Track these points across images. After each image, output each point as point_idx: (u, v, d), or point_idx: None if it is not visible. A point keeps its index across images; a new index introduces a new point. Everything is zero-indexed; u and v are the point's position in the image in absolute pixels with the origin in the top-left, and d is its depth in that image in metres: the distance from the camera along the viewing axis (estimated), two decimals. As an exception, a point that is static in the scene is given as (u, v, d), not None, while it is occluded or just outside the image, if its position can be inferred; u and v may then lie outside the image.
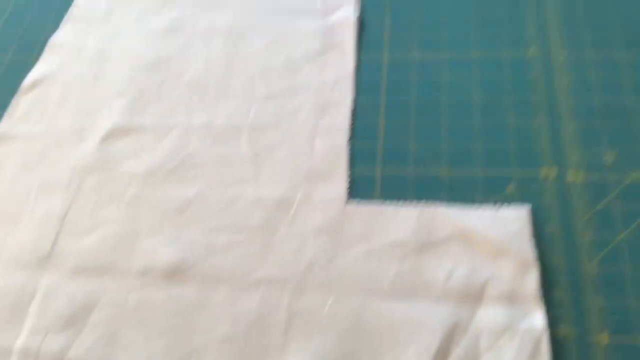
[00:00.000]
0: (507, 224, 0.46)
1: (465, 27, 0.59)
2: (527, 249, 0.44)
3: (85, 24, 0.64)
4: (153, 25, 0.63)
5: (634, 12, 0.57)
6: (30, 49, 0.64)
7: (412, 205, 0.48)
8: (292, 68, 0.57)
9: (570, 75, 0.54)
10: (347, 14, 0.60)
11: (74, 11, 0.66)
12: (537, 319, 0.41)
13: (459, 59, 0.57)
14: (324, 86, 0.55)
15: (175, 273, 0.46)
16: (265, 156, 0.52)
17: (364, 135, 0.53)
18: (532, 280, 0.43)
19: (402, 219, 0.47)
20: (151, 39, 0.61)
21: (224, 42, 0.60)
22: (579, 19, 0.57)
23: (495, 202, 0.48)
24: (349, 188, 0.49)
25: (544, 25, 0.57)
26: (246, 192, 0.50)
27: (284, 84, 0.56)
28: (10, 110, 0.58)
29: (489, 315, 0.42)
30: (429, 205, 0.48)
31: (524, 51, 0.56)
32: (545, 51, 0.56)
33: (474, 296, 0.43)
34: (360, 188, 0.50)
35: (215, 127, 0.54)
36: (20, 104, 0.59)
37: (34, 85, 0.60)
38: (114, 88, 0.58)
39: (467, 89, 0.54)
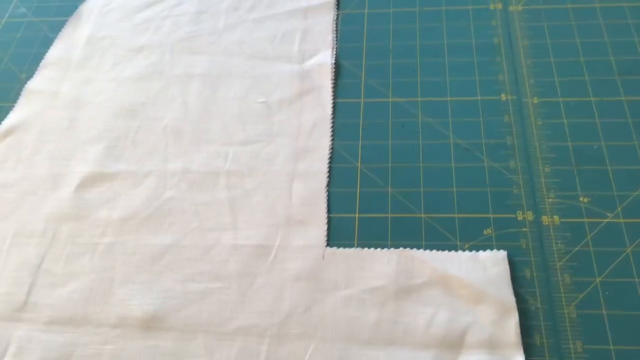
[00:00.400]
0: (486, 268, 0.46)
1: (441, 72, 0.59)
2: (506, 293, 0.44)
3: (61, 70, 0.64)
4: (129, 71, 0.62)
5: (603, 57, 0.58)
6: (6, 96, 0.63)
7: (390, 250, 0.47)
8: (269, 113, 0.57)
9: (543, 120, 0.54)
10: (324, 59, 0.60)
11: (49, 58, 0.65)
12: (518, 365, 0.41)
13: (435, 102, 0.57)
14: (301, 130, 0.55)
15: (151, 323, 0.45)
16: (243, 202, 0.51)
17: (342, 179, 0.53)
18: (512, 326, 0.42)
19: (381, 264, 0.46)
20: (127, 85, 0.61)
21: (201, 87, 0.60)
22: (550, 65, 0.58)
23: (473, 245, 0.47)
24: (327, 233, 0.49)
25: (516, 72, 0.58)
26: (224, 239, 0.49)
27: (261, 128, 0.56)
28: (-17, 158, 0.57)
29: (470, 362, 0.41)
30: (407, 249, 0.47)
31: (498, 96, 0.56)
32: (518, 96, 0.56)
33: (454, 343, 0.42)
34: (338, 233, 0.50)
35: (192, 173, 0.54)
36: (-5, 151, 0.58)
37: (9, 132, 0.59)
38: (90, 134, 0.58)
39: (443, 133, 0.54)
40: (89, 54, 0.65)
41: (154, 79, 0.61)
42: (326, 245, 0.48)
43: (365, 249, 0.48)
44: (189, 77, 0.61)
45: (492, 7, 0.64)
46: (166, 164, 0.55)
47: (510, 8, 0.63)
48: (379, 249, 0.47)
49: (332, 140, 0.55)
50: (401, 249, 0.47)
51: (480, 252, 0.46)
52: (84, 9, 0.69)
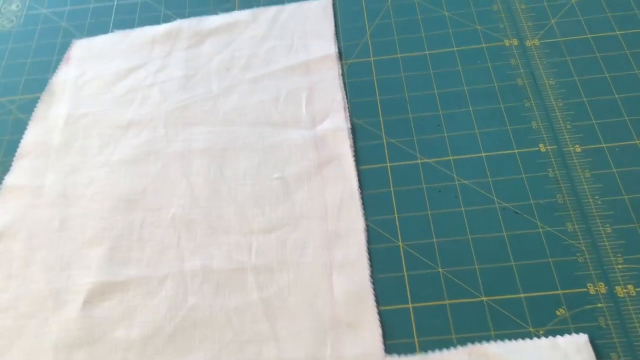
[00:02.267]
0: (569, 356, 0.39)
1: (467, 123, 0.54)
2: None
3: (40, 159, 0.55)
4: (120, 153, 0.54)
5: (637, 92, 0.53)
6: (-21, 194, 0.54)
7: (458, 349, 0.41)
8: (288, 190, 0.50)
9: (591, 172, 0.49)
10: (338, 123, 0.53)
11: (25, 145, 0.56)
12: None
13: (468, 161, 0.51)
14: (328, 210, 0.48)
15: None
16: (279, 304, 0.44)
17: (384, 263, 0.47)
18: None
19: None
20: (121, 170, 0.53)
21: (205, 165, 0.52)
22: (584, 106, 0.53)
23: (548, 330, 0.41)
24: (382, 336, 0.42)
25: (549, 117, 0.52)
26: (266, 353, 0.42)
27: (282, 210, 0.49)
28: (-34, 276, 0.48)
29: None
30: (477, 345, 0.41)
31: (536, 146, 0.51)
32: (558, 145, 0.50)
33: None
34: (393, 330, 0.44)
35: (215, 272, 0.46)
36: (-22, 267, 0.49)
37: (-8, 241, 0.50)
38: (87, 235, 0.50)
39: (485, 196, 0.49)
40: (70, 136, 0.56)
41: (151, 160, 0.53)
42: (385, 351, 0.41)
43: (430, 352, 0.41)
44: (189, 154, 0.53)
45: (507, 43, 0.58)
46: (183, 263, 0.47)
47: (527, 43, 0.57)
48: (445, 351, 0.41)
49: (365, 217, 0.48)
50: (469, 345, 0.41)
51: (559, 337, 0.40)
52: (55, 82, 0.61)
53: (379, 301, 0.45)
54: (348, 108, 0.55)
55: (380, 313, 0.44)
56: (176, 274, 0.46)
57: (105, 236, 0.49)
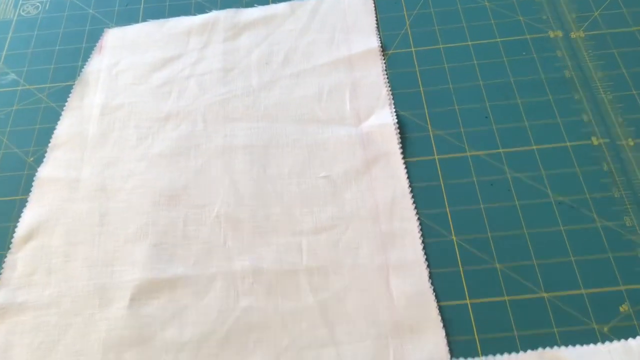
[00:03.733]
0: None
1: (516, 115, 0.52)
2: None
3: (76, 151, 0.52)
4: (159, 146, 0.51)
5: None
6: (14, 188, 0.51)
7: (527, 353, 0.39)
8: (335, 190, 0.48)
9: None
10: (384, 119, 0.51)
11: (59, 135, 0.54)
12: None
13: (520, 154, 0.49)
14: (379, 210, 0.46)
15: None
16: (336, 308, 0.42)
17: (438, 257, 0.45)
18: None
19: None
20: (161, 165, 0.50)
21: (248, 162, 0.50)
22: (634, 99, 0.51)
23: (612, 327, 0.39)
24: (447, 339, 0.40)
25: (600, 110, 0.51)
26: (325, 356, 0.40)
27: (331, 210, 0.47)
28: (5, 272, 0.46)
29: None
30: (547, 350, 0.39)
31: (588, 139, 0.49)
32: (611, 139, 0.48)
33: None
34: (453, 327, 0.42)
35: (265, 273, 0.44)
36: (17, 263, 0.47)
37: (29, 236, 0.48)
38: (129, 230, 0.47)
39: (539, 189, 0.47)
40: (107, 127, 0.53)
41: (191, 155, 0.51)
42: (450, 355, 0.39)
43: (498, 355, 0.39)
44: (231, 150, 0.51)
45: (552, 35, 0.55)
46: (231, 262, 0.45)
47: (572, 35, 0.55)
48: (513, 354, 0.39)
49: (418, 215, 0.46)
50: (540, 350, 0.39)
51: (631, 340, 0.38)
52: (88, 71, 0.58)
53: (439, 303, 0.42)
54: (392, 101, 0.52)
55: (444, 318, 0.42)
56: (225, 273, 0.44)
57: (149, 232, 0.47)
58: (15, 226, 0.49)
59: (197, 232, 0.47)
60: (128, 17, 0.62)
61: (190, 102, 0.54)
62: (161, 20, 0.61)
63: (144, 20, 0.61)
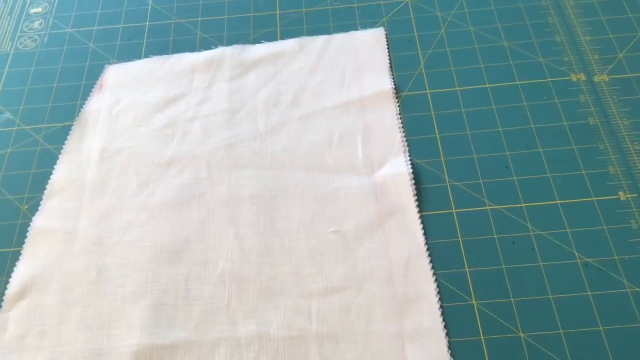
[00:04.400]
0: None
1: (538, 166, 0.49)
2: None
3: (74, 199, 0.49)
4: (160, 195, 0.48)
5: None
6: (7, 238, 0.48)
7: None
8: (346, 246, 0.45)
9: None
10: (399, 168, 0.47)
11: (55, 182, 0.51)
12: None
13: (543, 209, 0.46)
14: (393, 271, 0.43)
15: None
16: (348, 379, 0.38)
17: (459, 325, 0.42)
18: None
19: None
20: (162, 215, 0.47)
21: (255, 214, 0.47)
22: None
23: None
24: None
25: (627, 162, 0.48)
26: None
27: (342, 269, 0.43)
28: (-5, 333, 0.42)
29: None
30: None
31: (615, 194, 0.45)
32: (639, 194, 0.45)
33: None
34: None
35: (272, 340, 0.41)
36: (9, 323, 0.44)
37: (22, 293, 0.45)
38: (128, 288, 0.44)
39: (565, 249, 0.44)
40: (106, 173, 0.50)
41: (194, 205, 0.47)
42: None
43: None
44: (236, 201, 0.47)
45: (574, 78, 0.52)
46: (236, 327, 0.41)
47: (595, 78, 0.52)
48: None
49: (435, 276, 0.42)
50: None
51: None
52: (88, 111, 0.55)
53: (458, 374, 0.39)
54: (407, 148, 0.49)
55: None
56: (229, 339, 0.41)
57: (148, 291, 0.43)
58: (7, 281, 0.45)
59: (199, 292, 0.43)
60: (130, 53, 0.59)
61: (194, 147, 0.51)
62: (164, 56, 0.58)
63: (146, 55, 0.58)
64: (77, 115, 0.55)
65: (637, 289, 0.41)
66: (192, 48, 0.59)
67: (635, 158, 0.47)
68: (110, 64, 0.58)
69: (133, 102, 0.55)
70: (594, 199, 0.46)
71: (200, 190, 0.48)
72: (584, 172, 0.47)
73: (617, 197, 0.46)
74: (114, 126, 0.53)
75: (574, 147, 0.48)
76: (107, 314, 0.43)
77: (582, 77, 0.52)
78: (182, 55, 0.58)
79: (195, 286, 0.44)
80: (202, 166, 0.50)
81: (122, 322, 0.43)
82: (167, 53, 0.58)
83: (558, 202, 0.46)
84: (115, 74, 0.57)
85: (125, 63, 0.58)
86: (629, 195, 0.45)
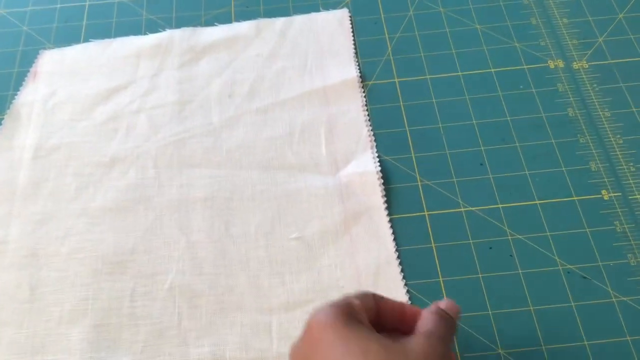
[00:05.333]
0: None
1: (515, 163, 0.45)
2: None
3: (2, 206, 0.44)
4: (102, 199, 0.43)
5: None
6: None
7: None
8: (310, 254, 0.41)
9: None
10: (365, 166, 0.43)
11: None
12: None
13: (521, 210, 0.42)
14: (361, 281, 0.40)
15: None
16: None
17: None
18: None
19: None
20: (104, 223, 0.42)
21: (208, 220, 0.42)
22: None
23: None
24: None
25: (609, 158, 0.43)
26: None
27: (305, 280, 0.40)
28: None
29: None
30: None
31: (598, 193, 0.42)
32: (622, 192, 0.41)
33: None
34: None
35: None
36: None
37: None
38: (64, 308, 0.39)
39: (546, 256, 0.40)
40: (40, 174, 0.45)
41: (140, 210, 0.42)
42: None
43: None
44: (187, 204, 0.42)
45: (551, 65, 0.48)
46: (187, 349, 0.37)
47: (574, 65, 0.48)
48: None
49: (406, 287, 0.38)
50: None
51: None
52: (20, 103, 0.48)
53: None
54: (374, 143, 0.44)
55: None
56: (180, 361, 0.36)
57: (88, 310, 0.38)
58: None
59: (146, 309, 0.38)
60: (68, 36, 0.53)
61: (139, 143, 0.45)
62: (106, 41, 0.51)
63: (86, 40, 0.52)
64: (8, 108, 0.48)
65: (624, 298, 0.38)
66: (137, 31, 0.53)
67: (619, 153, 0.43)
68: (45, 49, 0.52)
69: (71, 93, 0.49)
70: (575, 198, 0.42)
71: (147, 193, 0.43)
72: (564, 168, 0.43)
73: (600, 196, 0.42)
74: (50, 120, 0.47)
75: (553, 140, 0.45)
76: (41, 337, 0.38)
77: (560, 63, 0.48)
78: (126, 40, 0.52)
79: (142, 303, 0.39)
80: (148, 165, 0.44)
81: (59, 345, 0.38)
82: (109, 37, 0.52)
83: (537, 202, 0.42)
84: (51, 61, 0.51)
85: (62, 48, 0.52)
86: (612, 194, 0.42)
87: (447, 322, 0.30)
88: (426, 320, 0.30)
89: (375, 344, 0.27)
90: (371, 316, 0.30)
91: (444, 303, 0.32)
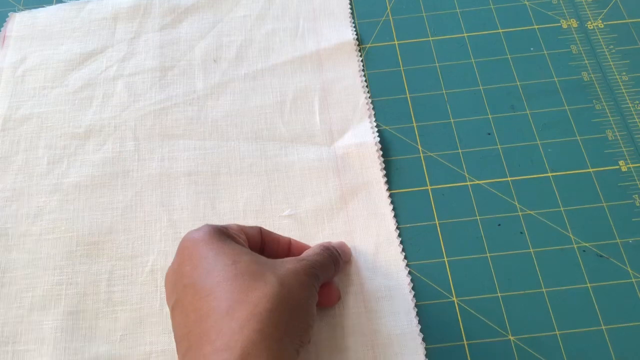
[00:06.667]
0: None
1: (526, 131, 0.41)
2: None
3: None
4: (76, 174, 0.40)
5: None
6: None
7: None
8: (305, 234, 0.38)
9: None
10: (362, 136, 0.40)
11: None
12: None
13: (533, 183, 0.38)
14: (359, 263, 0.37)
15: None
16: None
17: (439, 331, 0.35)
18: None
19: None
20: (78, 200, 0.39)
21: (193, 194, 0.39)
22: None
23: None
24: None
25: (627, 126, 0.40)
26: None
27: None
28: None
29: None
30: None
31: (615, 164, 0.38)
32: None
33: None
34: None
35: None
36: None
37: None
38: (37, 291, 0.36)
39: (560, 232, 0.37)
40: (9, 147, 0.41)
41: (118, 186, 0.39)
42: None
43: None
44: (169, 179, 0.39)
45: (564, 25, 0.44)
46: (170, 337, 0.34)
47: (589, 25, 0.44)
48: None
49: (408, 267, 0.35)
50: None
51: None
52: (-13, 70, 0.44)
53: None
54: (372, 112, 0.41)
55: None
56: (163, 353, 0.33)
57: (62, 295, 0.35)
58: None
59: (125, 294, 0.35)
60: (40, -3, 0.48)
61: (117, 113, 0.42)
62: (81, 2, 0.47)
63: (59, 1, 0.48)
64: (-26, 76, 0.44)
65: (644, 278, 0.34)
66: (114, -9, 0.48)
67: (637, 120, 0.40)
68: (14, 11, 0.47)
69: (42, 58, 0.45)
70: (590, 170, 0.39)
71: (126, 167, 0.40)
72: (578, 137, 0.40)
73: (618, 167, 0.39)
74: (20, 89, 0.43)
75: (567, 107, 0.41)
76: (12, 325, 0.35)
77: (574, 23, 0.44)
78: (102, 0, 0.47)
79: (120, 287, 0.36)
80: (127, 137, 0.41)
81: (30, 335, 0.35)
82: (85, -2, 0.48)
83: (549, 174, 0.39)
84: (20, 24, 0.47)
85: (33, 10, 0.48)
86: (631, 165, 0.39)
87: (328, 253, 0.32)
88: (309, 250, 0.32)
89: (247, 256, 0.27)
90: (254, 245, 0.31)
91: (336, 242, 0.34)
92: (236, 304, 0.25)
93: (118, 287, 0.36)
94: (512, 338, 0.34)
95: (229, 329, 0.24)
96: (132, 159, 0.40)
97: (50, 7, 0.48)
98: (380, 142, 0.40)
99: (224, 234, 0.28)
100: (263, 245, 0.32)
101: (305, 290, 0.28)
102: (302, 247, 0.33)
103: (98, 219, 0.38)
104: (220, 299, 0.25)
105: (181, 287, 0.27)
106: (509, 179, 0.39)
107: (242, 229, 0.30)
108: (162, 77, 0.43)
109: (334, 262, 0.32)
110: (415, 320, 0.34)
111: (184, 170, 0.39)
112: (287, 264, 0.28)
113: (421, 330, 0.34)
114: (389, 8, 0.46)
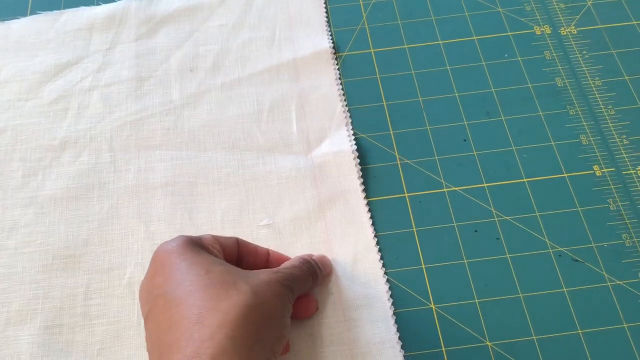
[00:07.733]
0: None
1: (501, 137, 0.42)
2: None
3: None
4: (51, 186, 0.40)
5: None
6: None
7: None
8: (283, 244, 0.38)
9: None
10: (339, 145, 0.40)
11: None
12: None
13: (508, 188, 0.38)
14: (337, 272, 0.37)
15: None
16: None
17: (417, 339, 0.35)
18: None
19: None
20: (53, 212, 0.39)
21: (170, 205, 0.39)
22: (643, 114, 0.41)
23: None
24: None
25: (600, 129, 0.41)
26: None
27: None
28: None
29: None
30: None
31: (589, 169, 0.38)
32: (616, 168, 0.38)
33: None
34: None
35: None
36: None
37: None
38: (12, 308, 0.36)
39: (535, 238, 0.38)
40: (-18, 160, 0.40)
41: (94, 198, 0.39)
42: None
43: None
44: (146, 190, 0.39)
45: (538, 31, 0.45)
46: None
47: (562, 31, 0.45)
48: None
49: (386, 275, 0.35)
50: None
51: None
52: (-41, 83, 0.44)
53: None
54: (350, 120, 0.41)
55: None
56: (140, 362, 0.33)
57: (38, 310, 0.35)
58: None
59: (102, 308, 0.35)
60: (13, 8, 0.49)
61: (93, 124, 0.41)
62: (55, 13, 0.47)
63: (33, 12, 0.48)
64: (-53, 88, 0.44)
65: (619, 282, 0.35)
66: (89, 1, 0.48)
67: (611, 125, 0.40)
68: (-12, 22, 0.47)
69: (17, 70, 0.44)
70: (565, 175, 0.39)
71: (102, 179, 0.39)
72: (552, 143, 0.40)
73: (592, 172, 0.39)
74: (-6, 101, 0.43)
75: (541, 113, 0.42)
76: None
77: (547, 29, 0.45)
78: (77, 11, 0.47)
79: (97, 301, 0.36)
80: (103, 148, 0.41)
81: (6, 350, 0.35)
82: (58, 8, 0.48)
83: (525, 180, 0.39)
84: (-6, 36, 0.46)
85: (6, 21, 0.47)
86: (605, 170, 0.39)
87: (307, 266, 0.32)
88: (288, 262, 0.32)
89: (220, 266, 0.27)
90: (231, 256, 0.31)
91: (317, 255, 0.34)
92: (207, 311, 0.25)
93: (95, 300, 0.35)
94: (489, 344, 0.34)
95: (199, 337, 0.24)
96: (108, 170, 0.40)
97: (24, 18, 0.47)
98: (357, 150, 0.40)
99: (197, 245, 0.28)
100: (240, 256, 0.32)
101: (278, 301, 0.28)
102: (281, 259, 0.33)
103: (74, 231, 0.38)
104: (191, 307, 0.25)
105: (153, 298, 0.27)
106: (485, 185, 0.39)
107: (217, 240, 0.30)
108: (138, 87, 0.43)
109: (312, 275, 0.32)
110: (393, 328, 0.34)
111: (161, 181, 0.39)
112: (261, 275, 0.28)
113: (400, 338, 0.34)
114: (364, 16, 0.46)
